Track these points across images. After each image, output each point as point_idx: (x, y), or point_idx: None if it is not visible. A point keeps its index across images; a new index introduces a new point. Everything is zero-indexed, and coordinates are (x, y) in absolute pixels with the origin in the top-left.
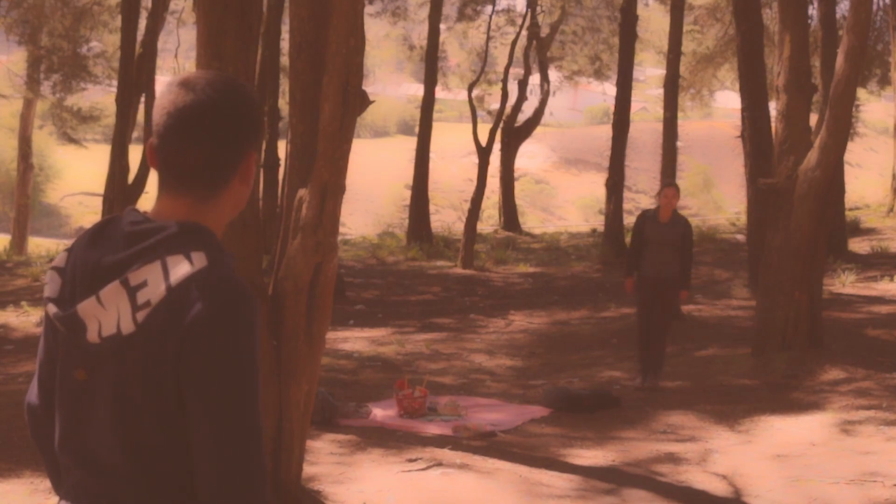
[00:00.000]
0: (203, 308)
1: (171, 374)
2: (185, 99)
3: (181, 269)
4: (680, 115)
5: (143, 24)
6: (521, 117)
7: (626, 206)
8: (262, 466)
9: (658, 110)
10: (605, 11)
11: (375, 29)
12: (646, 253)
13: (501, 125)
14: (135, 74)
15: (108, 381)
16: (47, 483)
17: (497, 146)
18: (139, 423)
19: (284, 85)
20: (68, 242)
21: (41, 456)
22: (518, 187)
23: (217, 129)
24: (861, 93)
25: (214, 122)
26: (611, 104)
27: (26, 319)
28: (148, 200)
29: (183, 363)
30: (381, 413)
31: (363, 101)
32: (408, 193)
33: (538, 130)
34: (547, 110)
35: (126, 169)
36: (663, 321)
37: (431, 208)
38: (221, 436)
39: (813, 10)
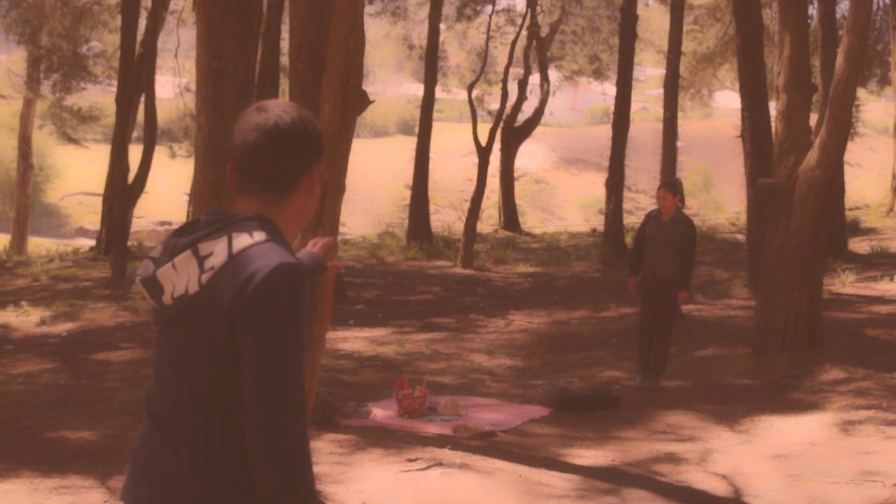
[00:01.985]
0: (256, 268)
1: (225, 326)
2: (260, 119)
3: (243, 241)
4: (680, 114)
5: (143, 23)
6: (521, 117)
7: (626, 206)
8: (301, 403)
9: (658, 110)
10: (605, 11)
11: (375, 29)
12: (647, 253)
13: (501, 125)
14: (135, 74)
15: (177, 336)
16: (47, 483)
17: (497, 146)
18: (197, 371)
19: (284, 85)
20: (68, 242)
21: None
22: (518, 187)
23: (285, 144)
24: (861, 93)
25: (283, 139)
26: (611, 104)
27: (26, 319)
28: (148, 200)
29: (237, 313)
30: (380, 413)
31: (363, 101)
32: (408, 193)
33: (538, 130)
34: (547, 110)
35: (126, 169)
36: (665, 321)
37: (431, 208)
38: (265, 374)
39: (813, 10)
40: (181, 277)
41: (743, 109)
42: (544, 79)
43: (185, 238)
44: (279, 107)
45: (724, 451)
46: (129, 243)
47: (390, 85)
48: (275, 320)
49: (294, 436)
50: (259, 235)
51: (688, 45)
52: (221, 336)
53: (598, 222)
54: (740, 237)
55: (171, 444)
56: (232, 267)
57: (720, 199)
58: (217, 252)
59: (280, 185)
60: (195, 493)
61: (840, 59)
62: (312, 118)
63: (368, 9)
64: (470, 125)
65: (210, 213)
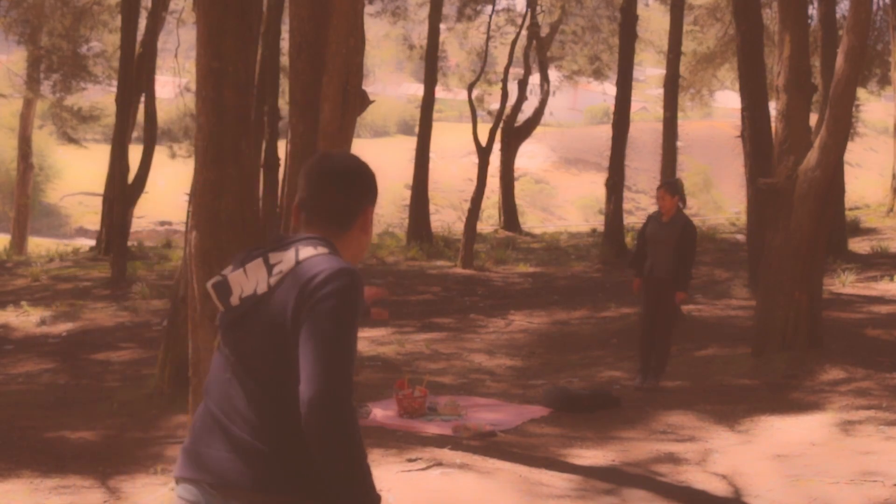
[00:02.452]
0: (320, 270)
1: (289, 320)
2: (324, 164)
3: (308, 251)
4: (680, 114)
5: (143, 23)
6: (521, 117)
7: (626, 206)
8: (351, 386)
9: (658, 110)
10: (605, 11)
11: (375, 29)
12: (648, 253)
13: (501, 125)
14: (135, 74)
15: (246, 333)
16: (47, 483)
17: (497, 146)
18: (262, 361)
19: (284, 85)
20: (68, 242)
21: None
22: (518, 187)
23: (344, 185)
24: (861, 93)
25: (343, 180)
26: (611, 104)
27: (26, 319)
28: (148, 200)
29: (301, 306)
30: (380, 413)
31: (363, 101)
32: (408, 193)
33: (538, 130)
34: (547, 110)
35: (126, 169)
36: (664, 322)
37: (431, 208)
38: (323, 358)
39: (813, 10)
40: (250, 281)
41: (743, 109)
42: (544, 79)
43: (256, 251)
44: (341, 155)
45: (724, 451)
46: (129, 243)
47: (390, 85)
48: (334, 312)
49: (347, 410)
50: (322, 249)
51: (688, 45)
52: (286, 329)
53: (598, 222)
54: (740, 237)
55: (251, 422)
56: (298, 270)
57: (720, 199)
58: (285, 260)
59: (339, 220)
60: (273, 459)
61: (840, 59)
62: (367, 166)
63: (368, 9)
64: (470, 125)
65: (278, 235)
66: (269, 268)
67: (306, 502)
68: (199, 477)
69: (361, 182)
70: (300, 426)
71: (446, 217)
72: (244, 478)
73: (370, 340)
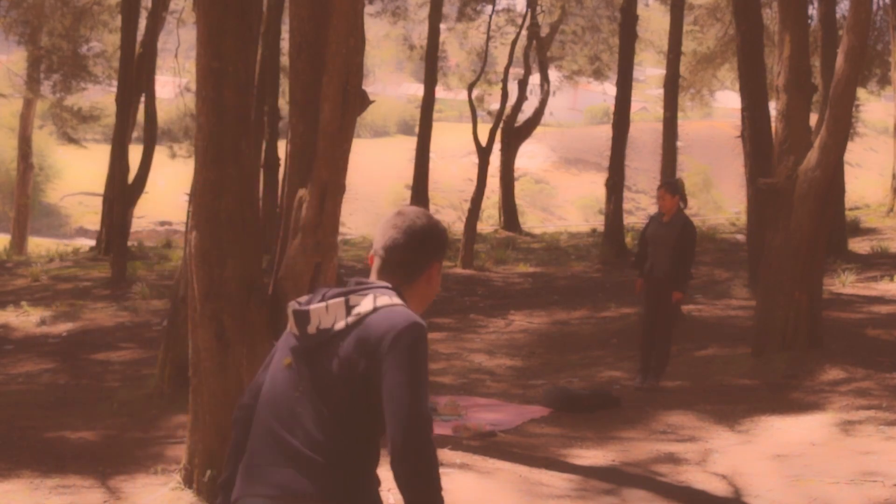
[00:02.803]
0: (397, 321)
1: (364, 359)
2: (398, 221)
3: (385, 300)
4: (680, 115)
5: (143, 24)
6: (521, 117)
7: (626, 206)
8: (429, 419)
9: (658, 110)
10: (605, 11)
11: (375, 29)
12: (649, 253)
13: (501, 125)
14: (135, 74)
15: (317, 366)
16: (47, 483)
17: (497, 146)
18: (332, 389)
19: (284, 85)
20: (68, 242)
21: (235, 444)
22: (518, 187)
23: (414, 242)
24: (861, 93)
25: (413, 237)
26: (611, 104)
27: (26, 319)
28: (148, 200)
29: (378, 356)
30: None
31: (363, 101)
32: (408, 193)
33: (538, 130)
34: (547, 110)
35: (126, 169)
36: (664, 322)
37: (431, 208)
38: (400, 405)
39: (813, 10)
40: (329, 316)
41: (743, 109)
42: (544, 79)
43: (338, 290)
44: (415, 212)
45: (724, 451)
46: (129, 243)
47: (390, 85)
48: (411, 360)
49: (432, 453)
50: (396, 300)
51: (688, 45)
52: (357, 370)
53: (599, 222)
54: (740, 237)
55: (314, 442)
56: (374, 317)
57: (720, 199)
58: (364, 304)
59: (408, 273)
60: (336, 478)
61: (840, 59)
62: (440, 223)
63: (368, 9)
64: (470, 125)
65: (358, 280)
66: (349, 308)
67: None
68: (260, 492)
69: (431, 241)
70: (361, 451)
71: (446, 217)
72: (306, 489)
73: None
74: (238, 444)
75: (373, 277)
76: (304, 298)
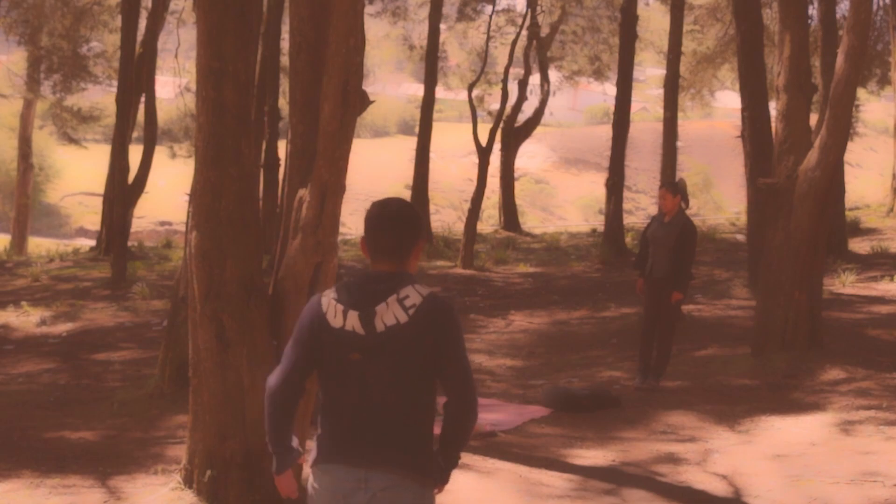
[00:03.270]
0: (442, 306)
1: (427, 339)
2: (383, 212)
3: (424, 289)
4: (680, 114)
5: (143, 24)
6: (521, 117)
7: (627, 206)
8: (473, 379)
9: (658, 110)
10: (605, 11)
11: (375, 29)
12: (650, 253)
13: (501, 125)
14: (135, 74)
15: (388, 357)
16: (47, 483)
17: (497, 146)
18: (409, 371)
19: (284, 85)
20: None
21: (274, 420)
22: (518, 187)
23: (399, 228)
24: (861, 93)
25: (398, 225)
26: (611, 104)
27: (26, 319)
28: (148, 200)
29: (438, 335)
30: None
31: (363, 101)
32: (408, 193)
33: (538, 130)
34: (547, 110)
35: (126, 169)
36: (666, 322)
37: (431, 208)
38: (460, 371)
39: (813, 10)
40: (389, 313)
41: (743, 109)
42: (544, 79)
43: (380, 285)
44: (395, 202)
45: (724, 451)
46: (130, 243)
47: (390, 85)
48: (460, 332)
49: (473, 400)
50: (424, 287)
51: (688, 45)
52: (426, 342)
53: (599, 222)
54: (740, 237)
55: (389, 421)
56: (425, 305)
57: (720, 199)
58: (411, 296)
59: (400, 256)
60: (421, 448)
61: (840, 59)
62: (414, 207)
63: (368, 9)
64: (470, 125)
65: (377, 273)
66: (402, 302)
67: (428, 482)
68: (363, 463)
69: (411, 225)
70: (426, 417)
71: (446, 217)
72: (403, 462)
73: None
74: (281, 422)
75: (374, 265)
76: (334, 294)
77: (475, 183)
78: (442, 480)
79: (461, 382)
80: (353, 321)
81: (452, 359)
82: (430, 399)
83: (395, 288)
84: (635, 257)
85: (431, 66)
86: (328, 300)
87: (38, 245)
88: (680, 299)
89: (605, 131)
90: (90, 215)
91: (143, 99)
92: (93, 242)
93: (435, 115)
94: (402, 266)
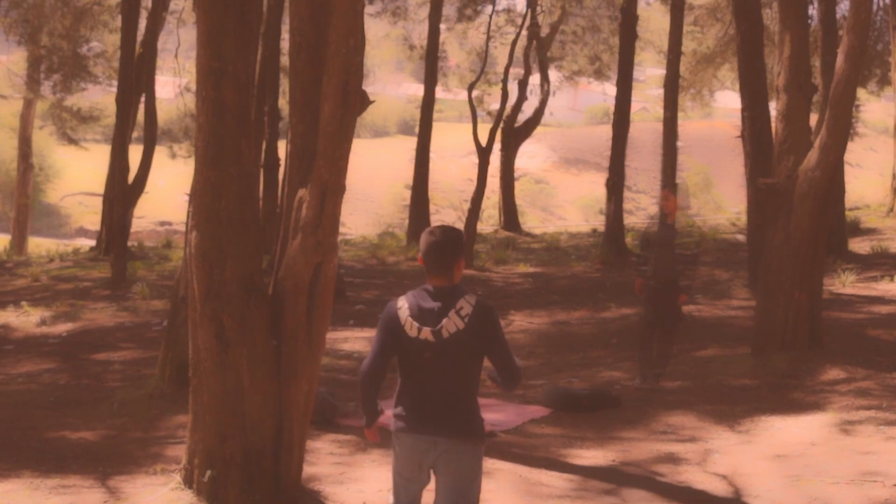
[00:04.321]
0: (486, 309)
1: (479, 338)
2: (433, 239)
3: (472, 298)
4: (680, 114)
5: (143, 24)
6: (521, 117)
7: (627, 206)
8: (513, 355)
9: (658, 110)
10: (605, 11)
11: (375, 29)
12: (652, 254)
13: (501, 125)
14: (135, 74)
15: (452, 354)
16: (47, 483)
17: (497, 146)
18: (465, 364)
19: (284, 85)
20: (68, 242)
21: (366, 394)
22: (518, 187)
23: (446, 251)
24: (861, 93)
25: (445, 249)
26: (611, 104)
27: (26, 319)
28: (148, 200)
29: (485, 332)
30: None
31: (363, 101)
32: (408, 193)
33: (538, 130)
34: (547, 110)
35: (126, 169)
36: (668, 323)
37: (431, 208)
38: (505, 353)
39: (813, 10)
40: (451, 324)
41: (743, 109)
42: (544, 79)
43: (438, 304)
44: (440, 231)
45: (724, 451)
46: (130, 243)
47: (390, 85)
48: (498, 323)
49: (519, 368)
50: (472, 297)
51: (688, 45)
52: (476, 342)
53: (599, 222)
54: (741, 237)
55: (451, 400)
56: (475, 311)
57: (720, 199)
58: (464, 306)
59: (448, 268)
60: (472, 419)
61: (840, 59)
62: (459, 232)
63: (368, 9)
64: (470, 125)
65: (439, 288)
66: (459, 314)
67: (479, 442)
68: (433, 432)
69: (456, 246)
70: (475, 394)
71: (446, 217)
72: (456, 430)
73: (370, 340)
74: (371, 396)
75: (429, 278)
76: (407, 305)
77: (475, 183)
78: (495, 381)
79: (507, 359)
80: (426, 334)
81: (497, 345)
82: (477, 379)
83: (453, 303)
84: (635, 257)
85: (431, 66)
86: (405, 316)
87: (38, 245)
88: (685, 300)
89: (605, 131)
90: (90, 215)
91: (143, 99)
92: (93, 242)
93: (435, 115)
94: (451, 278)
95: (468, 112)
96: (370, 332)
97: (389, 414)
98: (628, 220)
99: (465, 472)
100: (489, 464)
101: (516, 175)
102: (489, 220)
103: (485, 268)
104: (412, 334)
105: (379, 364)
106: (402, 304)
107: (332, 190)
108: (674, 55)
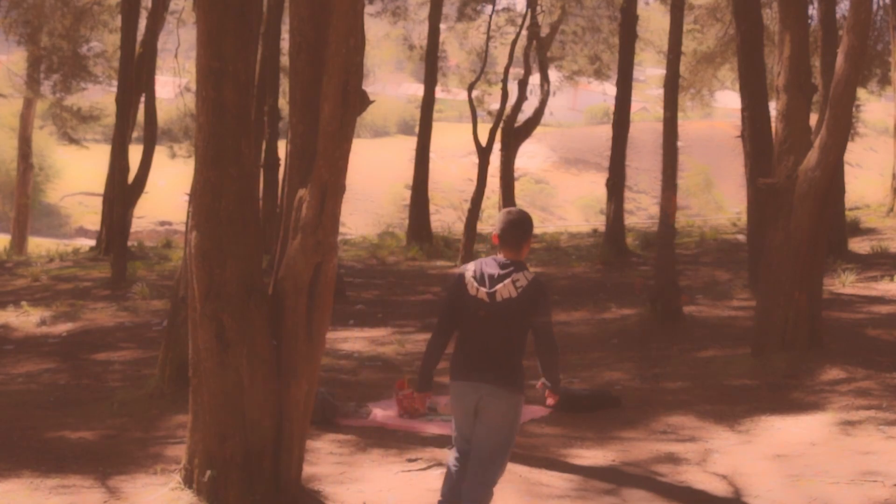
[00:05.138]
0: (540, 286)
1: (526, 309)
2: (510, 217)
3: (529, 275)
4: (680, 114)
5: (143, 24)
6: (521, 117)
7: (627, 206)
8: (554, 332)
9: (658, 110)
10: (605, 11)
11: (375, 29)
12: None
13: (501, 125)
14: (135, 74)
15: (502, 317)
16: (47, 483)
17: (497, 146)
18: (513, 328)
19: (284, 85)
20: (68, 242)
21: (429, 355)
22: (518, 187)
23: (520, 228)
24: (861, 93)
25: (520, 226)
26: (611, 104)
27: (26, 319)
28: (148, 200)
29: (533, 306)
30: (381, 413)
31: (363, 101)
32: (408, 193)
33: (538, 130)
34: (547, 110)
35: (126, 169)
36: None
37: (431, 208)
38: (547, 330)
39: (813, 10)
40: (505, 290)
41: (743, 109)
42: (544, 79)
43: (499, 271)
44: (515, 213)
45: (724, 451)
46: (130, 243)
47: (390, 85)
48: (550, 305)
49: (556, 342)
50: (530, 272)
51: (688, 45)
52: (525, 311)
53: (599, 222)
54: (741, 237)
55: (498, 356)
56: (529, 285)
57: (721, 199)
58: (521, 279)
59: (518, 246)
60: (513, 373)
61: (840, 59)
62: (529, 215)
63: (368, 9)
64: (470, 125)
65: (504, 260)
66: (514, 283)
67: (516, 391)
68: (477, 378)
69: (528, 226)
70: (519, 354)
71: (446, 217)
72: (502, 378)
73: (370, 340)
74: (432, 358)
75: (502, 252)
76: (471, 269)
77: (475, 183)
78: (555, 392)
79: (546, 335)
80: (482, 294)
81: (541, 321)
82: (523, 343)
83: (511, 274)
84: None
85: (431, 66)
86: (468, 278)
87: (38, 245)
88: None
89: (605, 131)
90: (90, 215)
91: (143, 99)
92: (93, 242)
93: (435, 115)
94: (519, 254)
95: (468, 112)
96: (370, 332)
97: (388, 414)
98: (629, 221)
99: (501, 414)
100: None
101: (516, 175)
102: (489, 221)
103: None
104: (471, 293)
105: (444, 324)
106: (470, 268)
107: (332, 190)
108: (674, 55)
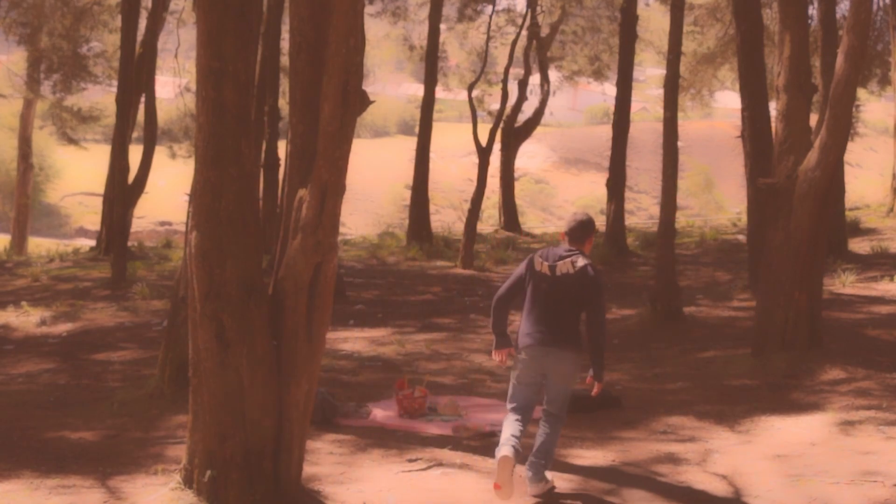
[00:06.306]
0: (591, 272)
1: (581, 286)
2: (578, 217)
3: (587, 261)
4: (680, 115)
5: (143, 24)
6: (521, 117)
7: (628, 206)
8: (604, 313)
9: (658, 110)
10: (605, 11)
11: (375, 29)
12: None
13: (501, 125)
14: (135, 74)
15: (561, 289)
16: (47, 483)
17: (497, 146)
18: (569, 302)
19: (284, 85)
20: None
21: (496, 316)
22: (518, 187)
23: (584, 227)
24: (861, 93)
25: (585, 225)
26: (611, 104)
27: (26, 319)
28: (148, 200)
29: (587, 286)
30: (381, 413)
31: (363, 101)
32: (408, 193)
33: (538, 130)
34: (547, 110)
35: (126, 169)
36: None
37: (431, 208)
38: (597, 310)
39: (813, 10)
40: (564, 267)
41: (743, 109)
42: (544, 79)
43: (562, 253)
44: (581, 215)
45: (724, 451)
46: (130, 243)
47: (390, 85)
48: (602, 287)
49: (605, 322)
50: (587, 258)
51: (688, 46)
52: (580, 287)
53: (599, 223)
54: (741, 238)
55: (560, 323)
56: (583, 267)
57: (721, 199)
58: (579, 261)
59: (582, 241)
60: (572, 339)
61: (840, 59)
62: (591, 216)
63: (368, 9)
64: (470, 125)
65: (567, 247)
66: (573, 263)
67: (578, 350)
68: (543, 344)
69: (590, 226)
70: (577, 324)
71: (446, 217)
72: (563, 341)
73: (370, 341)
74: (500, 317)
75: (567, 245)
76: (542, 251)
77: (475, 183)
78: (599, 378)
79: (597, 315)
80: (545, 269)
81: (592, 301)
82: (579, 316)
83: (571, 256)
84: None
85: (431, 67)
86: (537, 257)
87: (38, 245)
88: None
89: (605, 131)
90: (90, 215)
91: (143, 99)
92: (93, 242)
93: (435, 115)
94: (581, 247)
95: (468, 112)
96: (370, 332)
97: (388, 414)
98: (629, 221)
99: (568, 371)
100: (489, 464)
101: (516, 175)
102: (489, 220)
103: (485, 268)
104: (537, 268)
105: (509, 289)
106: (540, 251)
107: (332, 190)
108: (674, 55)
